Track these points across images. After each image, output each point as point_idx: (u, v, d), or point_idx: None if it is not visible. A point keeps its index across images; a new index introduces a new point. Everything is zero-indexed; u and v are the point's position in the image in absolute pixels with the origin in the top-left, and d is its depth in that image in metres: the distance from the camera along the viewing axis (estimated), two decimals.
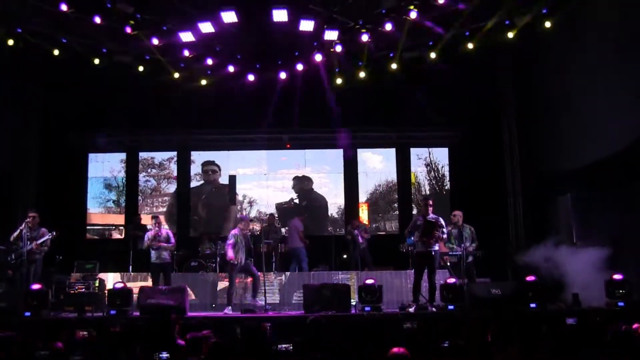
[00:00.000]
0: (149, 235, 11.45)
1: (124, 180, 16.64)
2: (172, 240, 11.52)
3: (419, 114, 15.21)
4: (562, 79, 13.12)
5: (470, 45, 13.00)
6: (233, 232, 11.18)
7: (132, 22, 12.13)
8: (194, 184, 16.70)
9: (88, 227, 16.22)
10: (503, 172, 14.84)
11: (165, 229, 11.73)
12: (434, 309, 10.08)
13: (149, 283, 11.58)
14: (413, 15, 11.96)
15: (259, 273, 11.16)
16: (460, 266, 10.78)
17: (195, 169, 16.79)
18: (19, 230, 10.89)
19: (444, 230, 10.40)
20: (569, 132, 12.87)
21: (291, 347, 5.01)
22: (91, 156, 16.51)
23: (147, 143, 16.51)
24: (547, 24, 12.08)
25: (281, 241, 14.08)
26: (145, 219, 14.69)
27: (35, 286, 10.22)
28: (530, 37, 12.80)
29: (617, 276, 9.85)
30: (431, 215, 10.38)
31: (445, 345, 5.22)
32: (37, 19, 12.45)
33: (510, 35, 12.50)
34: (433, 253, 10.28)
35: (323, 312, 9.72)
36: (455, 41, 13.18)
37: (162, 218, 12.20)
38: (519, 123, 14.81)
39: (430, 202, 10.54)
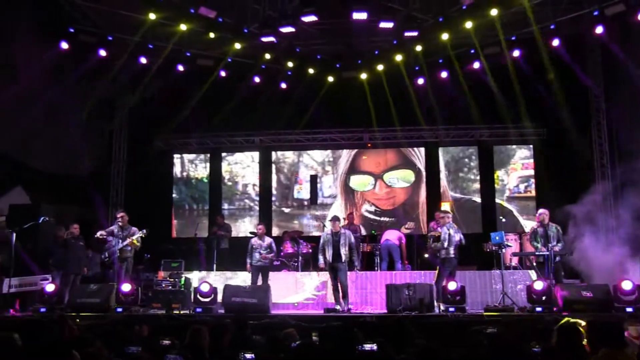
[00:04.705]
0: (253, 243, 11.63)
1: (207, 181, 17.07)
2: (274, 249, 11.82)
3: (502, 111, 14.80)
4: None
5: (556, 42, 12.65)
6: (323, 234, 11.29)
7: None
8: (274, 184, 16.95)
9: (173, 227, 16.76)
10: (592, 170, 14.31)
11: (269, 238, 11.98)
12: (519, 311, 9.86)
13: (233, 281, 11.84)
14: (494, 12, 11.80)
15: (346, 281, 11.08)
16: (547, 266, 10.48)
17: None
18: (111, 230, 11.39)
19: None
20: None
21: (375, 347, 4.96)
22: (176, 157, 17.06)
23: (229, 144, 16.82)
24: None
25: (363, 240, 14.04)
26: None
27: (127, 284, 10.65)
28: (620, 29, 12.27)
29: None
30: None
31: (537, 350, 5.07)
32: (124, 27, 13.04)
33: (600, 29, 12.06)
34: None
35: (406, 312, 9.68)
36: (539, 35, 12.85)
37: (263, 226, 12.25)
38: (609, 120, 14.23)
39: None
